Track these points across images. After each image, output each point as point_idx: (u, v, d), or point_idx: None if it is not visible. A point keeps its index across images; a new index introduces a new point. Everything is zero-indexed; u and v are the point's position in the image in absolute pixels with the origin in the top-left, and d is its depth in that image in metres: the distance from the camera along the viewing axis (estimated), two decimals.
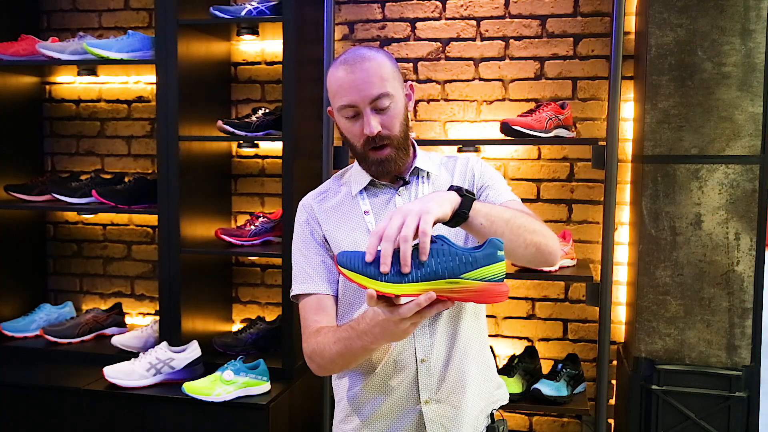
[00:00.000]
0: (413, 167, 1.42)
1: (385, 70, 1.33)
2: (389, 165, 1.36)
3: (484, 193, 1.43)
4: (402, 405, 1.37)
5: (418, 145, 1.47)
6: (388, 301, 1.08)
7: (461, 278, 1.06)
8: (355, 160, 1.45)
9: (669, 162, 2.12)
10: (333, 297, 1.39)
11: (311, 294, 1.38)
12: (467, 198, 1.17)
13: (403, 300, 1.07)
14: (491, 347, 2.33)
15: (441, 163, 1.47)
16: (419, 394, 1.35)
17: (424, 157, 1.45)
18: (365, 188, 1.42)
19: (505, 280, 1.08)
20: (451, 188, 1.19)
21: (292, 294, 1.42)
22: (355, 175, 1.44)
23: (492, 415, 1.44)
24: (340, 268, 1.09)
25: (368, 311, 1.17)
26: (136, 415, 2.23)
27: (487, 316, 1.54)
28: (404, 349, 1.35)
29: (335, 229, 1.40)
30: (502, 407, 1.47)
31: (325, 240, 1.41)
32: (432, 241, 1.08)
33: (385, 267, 1.05)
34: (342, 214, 1.41)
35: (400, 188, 1.41)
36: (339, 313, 1.40)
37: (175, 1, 2.33)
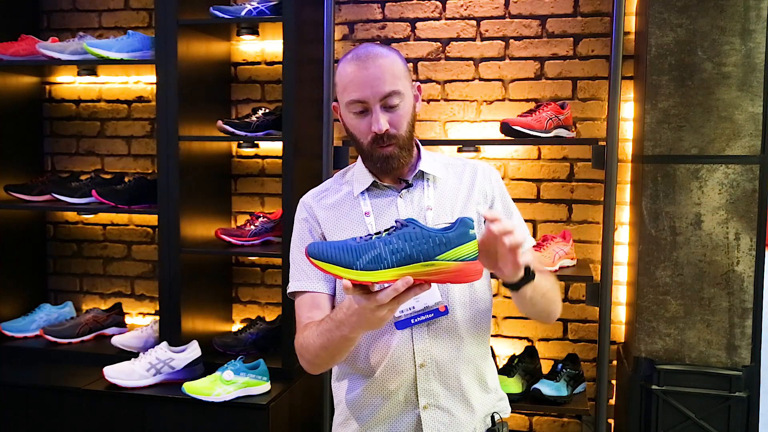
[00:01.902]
0: (417, 170, 1.40)
1: (397, 68, 1.33)
2: (393, 162, 1.34)
3: None
4: (400, 409, 1.36)
5: None
6: (364, 288, 1.07)
7: (436, 260, 1.06)
8: (358, 159, 1.43)
9: (669, 162, 2.12)
10: (329, 295, 1.38)
11: (306, 292, 1.38)
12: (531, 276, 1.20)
13: (379, 287, 1.06)
14: (492, 348, 2.32)
15: (448, 164, 1.45)
16: (418, 399, 1.35)
17: (428, 159, 1.42)
18: (367, 189, 1.40)
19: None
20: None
21: (288, 291, 1.41)
22: (358, 174, 1.42)
23: (493, 418, 1.42)
24: (311, 259, 1.07)
25: (345, 300, 1.16)
26: (136, 415, 2.23)
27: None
28: (403, 353, 1.34)
29: (334, 228, 1.39)
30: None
31: (324, 239, 1.39)
32: (404, 225, 1.08)
33: None
34: (342, 214, 1.40)
35: (403, 191, 1.39)
36: None
37: (175, 1, 2.32)
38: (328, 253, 1.06)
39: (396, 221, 1.11)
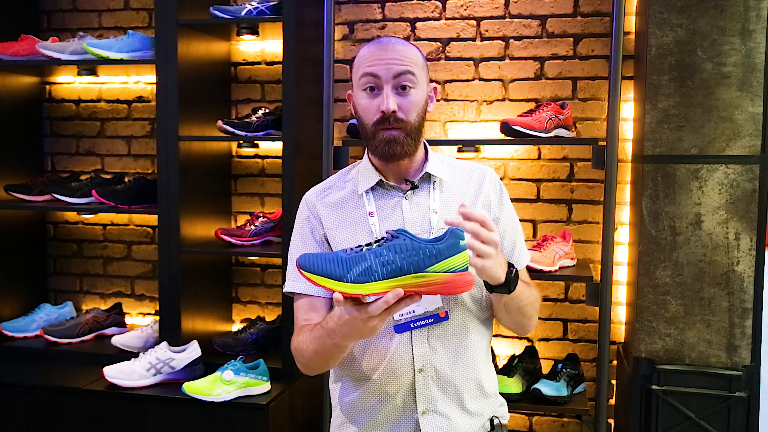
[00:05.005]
0: (424, 171, 1.38)
1: (416, 57, 1.33)
2: (396, 147, 1.30)
3: (501, 234, 1.41)
4: (399, 414, 1.35)
5: None
6: (356, 300, 1.07)
7: (427, 272, 1.06)
8: (364, 156, 1.41)
9: (669, 162, 2.12)
10: (325, 299, 1.36)
11: (304, 295, 1.37)
12: (514, 281, 1.25)
13: (370, 298, 1.07)
14: (492, 349, 2.32)
15: (455, 166, 1.43)
16: (416, 404, 1.34)
17: (436, 161, 1.40)
18: (372, 188, 1.38)
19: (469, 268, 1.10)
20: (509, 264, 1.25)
21: (284, 290, 1.40)
22: (363, 172, 1.39)
23: (492, 421, 1.42)
24: (302, 272, 1.07)
25: (336, 309, 1.16)
26: (136, 415, 2.23)
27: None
28: (401, 356, 1.32)
29: (337, 227, 1.37)
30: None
31: (325, 238, 1.38)
32: (394, 236, 1.08)
33: None
34: (345, 213, 1.38)
35: (408, 192, 1.37)
36: None
37: (175, 1, 2.32)
38: (319, 265, 1.06)
39: (387, 232, 1.11)
